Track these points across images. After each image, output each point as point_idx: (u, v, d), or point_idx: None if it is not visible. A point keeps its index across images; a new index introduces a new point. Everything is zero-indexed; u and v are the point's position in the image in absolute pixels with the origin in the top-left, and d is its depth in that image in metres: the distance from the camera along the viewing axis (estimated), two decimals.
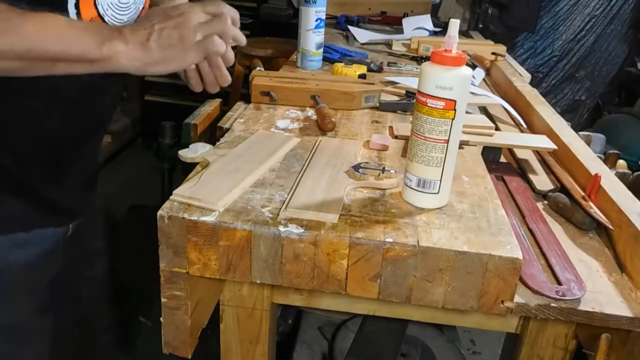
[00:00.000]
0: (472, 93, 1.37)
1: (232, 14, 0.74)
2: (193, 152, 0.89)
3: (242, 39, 0.77)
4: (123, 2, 0.82)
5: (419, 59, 1.78)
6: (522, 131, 1.24)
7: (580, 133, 1.31)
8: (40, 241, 0.89)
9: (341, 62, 1.51)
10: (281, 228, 0.70)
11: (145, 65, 0.70)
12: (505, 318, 0.82)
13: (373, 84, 1.28)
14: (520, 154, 1.12)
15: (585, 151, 1.04)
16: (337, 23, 2.25)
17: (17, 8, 0.66)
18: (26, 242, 0.87)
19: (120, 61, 0.69)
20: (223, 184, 0.78)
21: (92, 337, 1.14)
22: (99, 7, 0.78)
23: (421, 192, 0.77)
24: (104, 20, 0.79)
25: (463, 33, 2.36)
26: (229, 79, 0.82)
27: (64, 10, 0.73)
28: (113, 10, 0.80)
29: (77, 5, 0.74)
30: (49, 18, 0.68)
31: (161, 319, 0.76)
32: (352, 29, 2.11)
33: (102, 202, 1.09)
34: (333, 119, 1.06)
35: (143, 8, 0.88)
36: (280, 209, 0.74)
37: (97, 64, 0.69)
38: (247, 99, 1.22)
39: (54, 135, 0.85)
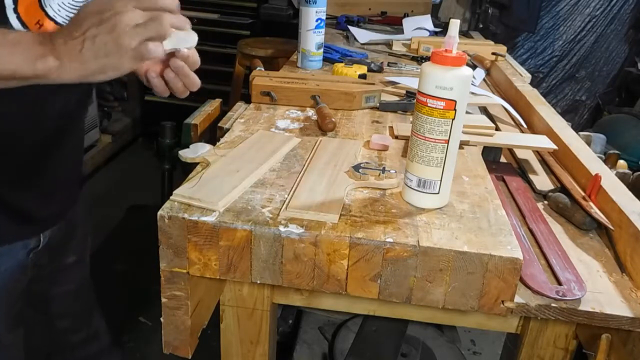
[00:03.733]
0: (473, 93, 1.37)
1: (168, 4, 0.67)
2: (193, 152, 0.88)
3: (184, 23, 0.70)
4: (77, 0, 0.78)
5: (419, 59, 1.78)
6: (522, 131, 1.24)
7: (581, 133, 1.31)
8: (11, 253, 0.88)
9: (341, 62, 1.51)
10: (281, 228, 0.70)
11: (82, 77, 0.66)
12: (505, 318, 0.82)
13: (373, 84, 1.28)
14: (521, 154, 1.12)
15: (585, 151, 1.04)
16: (337, 23, 2.25)
17: None
18: None
19: (54, 76, 0.65)
20: (223, 184, 0.78)
21: (70, 348, 1.12)
22: (48, 10, 0.75)
23: (421, 192, 0.77)
24: (56, 22, 0.76)
25: (463, 33, 2.36)
26: (198, 82, 0.76)
27: (2, 17, 0.70)
28: (67, 11, 0.77)
29: (15, 10, 0.71)
30: None
31: (161, 319, 0.76)
32: (352, 29, 2.11)
33: (83, 216, 1.07)
34: (333, 119, 1.06)
35: None
36: (281, 209, 0.74)
37: (31, 80, 0.66)
38: (247, 99, 1.22)
39: (15, 138, 0.82)
